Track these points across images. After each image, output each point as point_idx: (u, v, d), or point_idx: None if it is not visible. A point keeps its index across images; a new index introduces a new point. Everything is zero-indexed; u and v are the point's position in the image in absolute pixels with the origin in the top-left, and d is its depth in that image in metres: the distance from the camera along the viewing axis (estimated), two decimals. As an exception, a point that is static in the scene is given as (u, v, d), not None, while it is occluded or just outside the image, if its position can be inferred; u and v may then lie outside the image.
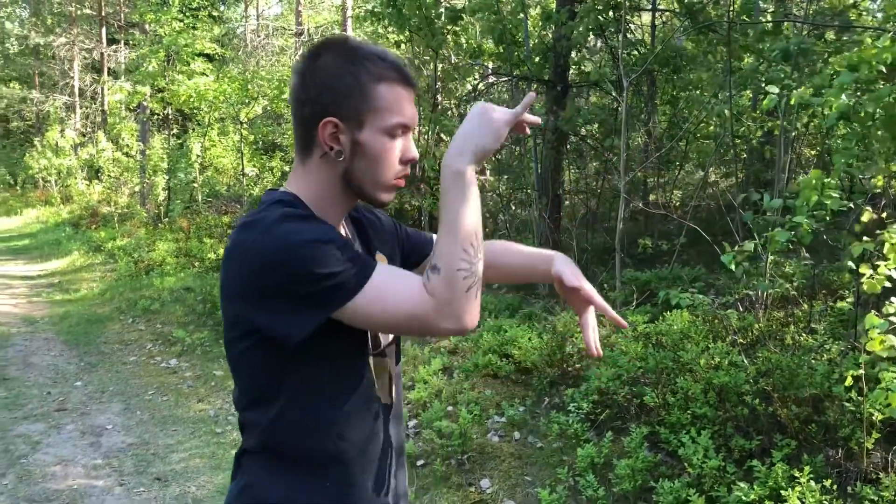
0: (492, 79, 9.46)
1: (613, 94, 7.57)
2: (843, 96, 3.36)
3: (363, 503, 1.38)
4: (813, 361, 3.77)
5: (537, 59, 7.54)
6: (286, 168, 13.89)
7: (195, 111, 14.28)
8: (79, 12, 24.47)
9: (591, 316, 1.53)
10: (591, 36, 8.36)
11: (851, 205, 3.56)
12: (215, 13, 16.42)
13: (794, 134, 6.17)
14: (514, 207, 9.81)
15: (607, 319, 4.75)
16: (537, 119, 1.39)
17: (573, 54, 7.80)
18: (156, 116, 17.78)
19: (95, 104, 24.52)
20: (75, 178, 20.04)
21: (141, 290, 9.38)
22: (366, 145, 1.31)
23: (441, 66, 10.16)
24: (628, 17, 7.60)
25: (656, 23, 8.87)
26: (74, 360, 6.83)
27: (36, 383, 6.09)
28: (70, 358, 6.92)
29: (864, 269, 3.05)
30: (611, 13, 7.20)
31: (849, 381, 3.14)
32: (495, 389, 4.68)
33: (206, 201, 15.14)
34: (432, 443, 4.05)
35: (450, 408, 4.44)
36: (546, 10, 7.89)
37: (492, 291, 6.86)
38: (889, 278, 2.96)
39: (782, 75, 5.04)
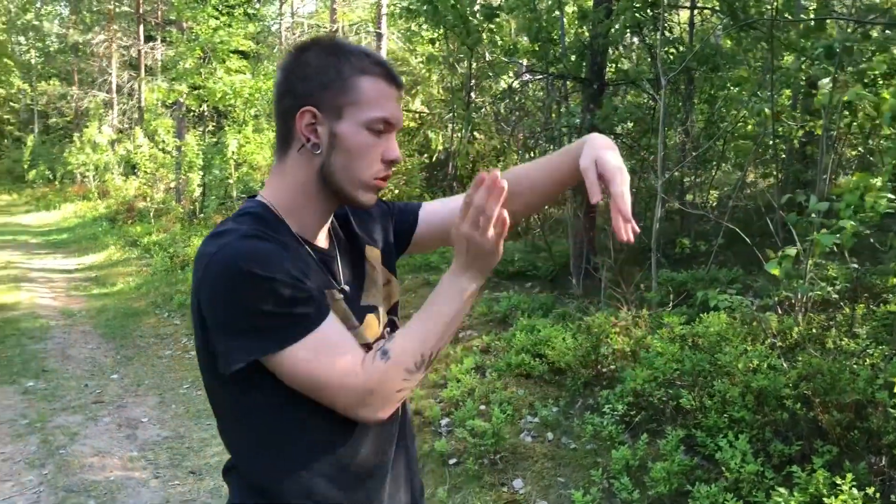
0: (527, 76, 9.40)
1: (651, 92, 7.48)
2: None
3: None
4: (855, 366, 3.68)
5: (573, 56, 7.47)
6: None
7: (230, 108, 14.41)
8: (117, 10, 24.93)
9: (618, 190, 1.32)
10: (629, 33, 8.27)
11: (897, 206, 3.47)
12: (251, 11, 16.52)
13: (834, 133, 6.04)
14: (547, 206, 9.73)
15: (643, 319, 4.68)
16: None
17: (610, 52, 7.72)
18: (191, 113, 17.98)
19: (132, 100, 24.89)
20: (112, 173, 20.34)
21: (176, 284, 9.50)
22: (344, 138, 1.25)
23: (475, 63, 10.13)
24: (666, 14, 7.50)
25: (695, 20, 8.74)
26: (111, 353, 6.93)
27: (74, 375, 6.20)
28: (107, 351, 7.03)
29: (911, 273, 2.98)
30: (648, 11, 7.12)
31: (895, 388, 3.07)
32: (528, 389, 4.65)
33: (240, 197, 15.25)
34: (465, 441, 4.03)
35: (482, 407, 4.42)
36: (582, 9, 7.82)
37: (525, 290, 6.82)
38: (937, 282, 2.88)
39: (825, 74, 4.93)
